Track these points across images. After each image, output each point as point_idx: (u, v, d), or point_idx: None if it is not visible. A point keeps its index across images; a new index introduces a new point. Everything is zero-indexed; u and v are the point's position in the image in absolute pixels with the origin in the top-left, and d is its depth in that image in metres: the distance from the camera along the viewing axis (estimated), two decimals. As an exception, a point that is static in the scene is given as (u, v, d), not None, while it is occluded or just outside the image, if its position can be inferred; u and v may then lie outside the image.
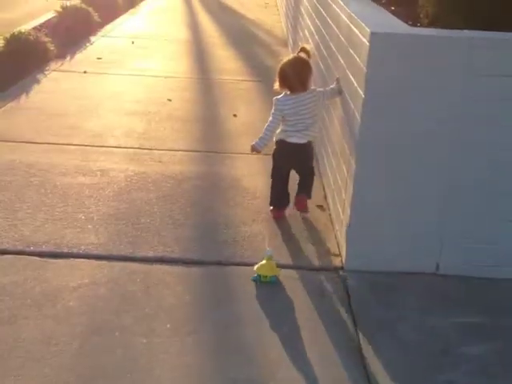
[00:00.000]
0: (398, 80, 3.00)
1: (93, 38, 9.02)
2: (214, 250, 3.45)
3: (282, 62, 3.72)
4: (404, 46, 2.96)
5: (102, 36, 9.26)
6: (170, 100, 6.17)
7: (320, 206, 4.03)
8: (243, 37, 9.77)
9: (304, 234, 3.68)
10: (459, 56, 2.93)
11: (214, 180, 4.37)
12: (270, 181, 3.91)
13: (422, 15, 3.81)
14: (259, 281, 3.16)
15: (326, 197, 4.14)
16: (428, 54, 2.95)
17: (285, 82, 3.65)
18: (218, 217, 3.83)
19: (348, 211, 3.27)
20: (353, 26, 3.44)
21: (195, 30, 10.19)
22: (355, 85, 3.25)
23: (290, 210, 3.87)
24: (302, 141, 3.66)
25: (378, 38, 2.95)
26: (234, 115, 5.80)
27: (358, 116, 3.12)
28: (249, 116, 5.79)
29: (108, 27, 9.97)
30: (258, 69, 7.68)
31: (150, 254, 3.36)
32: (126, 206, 3.89)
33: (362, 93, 3.06)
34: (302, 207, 3.81)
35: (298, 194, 3.81)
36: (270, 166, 3.89)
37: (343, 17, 3.83)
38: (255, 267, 3.20)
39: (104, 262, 3.26)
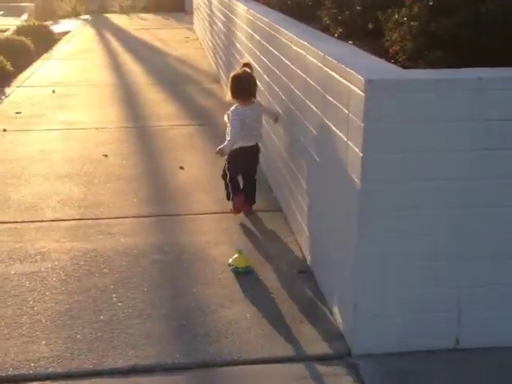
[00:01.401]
0: (401, 133, 2.56)
1: (7, 90, 8.27)
2: (195, 347, 2.87)
3: (232, 76, 4.18)
4: (407, 94, 2.53)
5: (18, 86, 8.51)
6: (106, 156, 5.55)
7: (302, 272, 3.53)
8: (171, 76, 9.24)
9: (290, 311, 3.17)
10: (470, 100, 2.53)
11: (175, 252, 3.79)
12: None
13: (397, 51, 3.41)
14: (237, 272, 3.54)
15: (306, 259, 3.65)
16: (437, 100, 2.53)
17: (239, 94, 4.11)
18: (189, 300, 3.25)
19: (351, 286, 2.79)
20: (330, 71, 2.99)
21: (119, 72, 9.58)
22: (344, 139, 2.79)
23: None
24: (254, 142, 4.24)
25: (376, 85, 2.51)
26: (181, 167, 5.25)
27: (355, 177, 2.66)
28: (197, 167, 5.25)
29: (23, 76, 9.23)
30: (194, 111, 7.17)
31: (120, 363, 2.75)
32: (79, 299, 3.25)
33: (358, 150, 2.61)
34: (248, 212, 4.31)
35: (246, 204, 4.28)
36: (232, 227, 4.01)
37: (310, 58, 3.38)
38: (231, 260, 3.60)
39: None
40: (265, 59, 4.89)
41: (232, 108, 4.14)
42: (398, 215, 2.65)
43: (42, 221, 4.22)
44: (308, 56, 3.44)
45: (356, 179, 2.65)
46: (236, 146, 4.09)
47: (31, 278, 3.46)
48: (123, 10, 19.17)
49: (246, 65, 4.32)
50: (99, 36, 13.78)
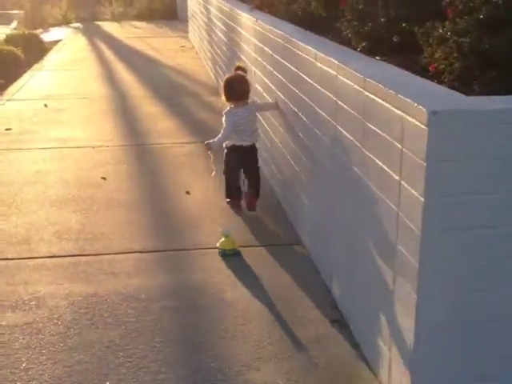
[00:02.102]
0: (471, 172, 2.15)
1: (-4, 104, 7.83)
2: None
3: (226, 79, 4.43)
4: (480, 127, 2.12)
5: (8, 100, 8.05)
6: (104, 179, 5.11)
7: (335, 322, 3.11)
8: (168, 87, 8.81)
9: (328, 370, 2.74)
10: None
11: (188, 296, 3.35)
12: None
13: (442, 70, 3.01)
14: (225, 254, 3.76)
15: (337, 306, 3.23)
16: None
17: (230, 96, 4.33)
18: (209, 359, 2.82)
19: (404, 334, 2.37)
20: (374, 96, 2.58)
21: (113, 83, 9.14)
22: (395, 177, 2.37)
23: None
24: (249, 143, 4.38)
25: (443, 118, 2.10)
26: (187, 192, 4.82)
27: (412, 224, 2.24)
28: (204, 192, 4.82)
29: (13, 88, 8.77)
30: (195, 126, 6.74)
31: None
32: (80, 358, 2.81)
33: (417, 193, 2.19)
34: (252, 208, 4.41)
35: (247, 197, 4.44)
36: (248, 264, 3.72)
37: (344, 79, 2.97)
38: (218, 244, 3.81)
39: None
40: (278, 75, 4.47)
41: (226, 109, 4.36)
42: (466, 267, 2.24)
43: (36, 257, 3.78)
44: (341, 77, 3.02)
45: (413, 226, 2.24)
46: (229, 144, 4.35)
47: (25, 331, 3.01)
48: (115, 18, 18.72)
49: (239, 68, 4.56)
50: (91, 45, 13.34)
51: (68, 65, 10.71)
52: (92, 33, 15.46)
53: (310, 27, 4.91)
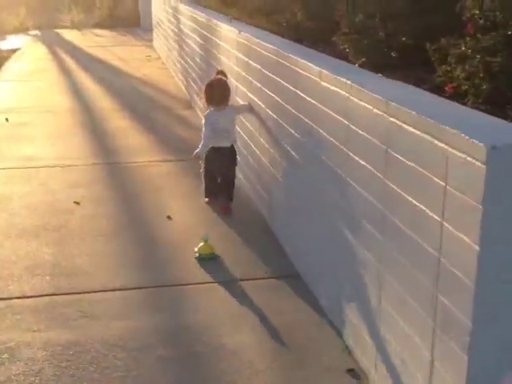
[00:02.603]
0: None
1: (-48, 118, 7.30)
2: None
3: (208, 84, 4.58)
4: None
5: (-36, 113, 7.55)
6: (77, 203, 4.70)
7: (351, 371, 2.79)
8: (137, 100, 8.40)
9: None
10: None
11: (182, 343, 2.98)
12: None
13: (465, 92, 2.74)
14: (202, 259, 3.77)
15: (356, 359, 2.91)
16: None
17: (212, 100, 4.48)
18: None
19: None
20: (402, 123, 2.28)
21: (78, 96, 8.67)
22: (437, 219, 2.07)
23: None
24: (228, 144, 4.54)
25: (504, 154, 1.81)
26: (168, 217, 4.44)
27: (462, 275, 1.94)
28: (186, 216, 4.46)
29: (-31, 101, 8.26)
30: (170, 143, 6.36)
31: None
32: (65, 425, 2.44)
33: (469, 240, 1.89)
34: (227, 212, 4.53)
35: (221, 200, 4.57)
36: (244, 301, 3.37)
37: (359, 101, 2.66)
38: (196, 248, 3.83)
39: None
40: (269, 92, 4.16)
41: (206, 112, 4.57)
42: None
43: (5, 298, 3.36)
44: (354, 98, 2.72)
45: (464, 277, 1.94)
46: (209, 146, 4.48)
47: (-2, 392, 2.61)
48: (75, 26, 18.15)
49: (220, 72, 4.76)
50: (52, 54, 12.80)
51: (28, 75, 10.18)
52: (52, 41, 14.89)
53: (296, 40, 4.62)
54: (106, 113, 7.65)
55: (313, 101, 3.27)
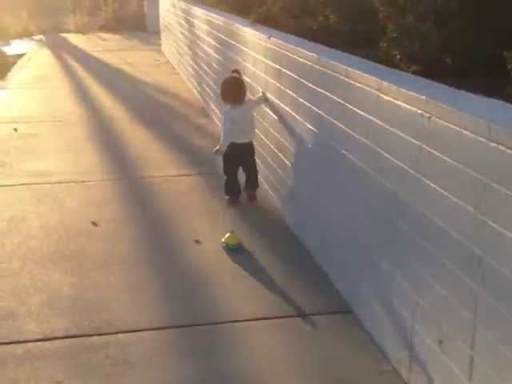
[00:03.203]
0: None
1: (-43, 128, 6.94)
2: None
3: (224, 82, 4.66)
4: None
5: (-30, 124, 7.19)
6: (95, 224, 4.33)
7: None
8: (150, 108, 8.04)
9: None
10: None
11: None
12: None
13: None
14: (229, 249, 3.87)
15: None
16: None
17: (229, 97, 4.57)
18: None
19: None
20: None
21: (89, 104, 8.29)
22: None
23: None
24: (247, 140, 4.62)
25: None
26: (197, 241, 4.07)
27: None
28: (215, 239, 4.07)
29: (-26, 110, 7.90)
30: (190, 155, 5.97)
31: None
32: None
33: None
34: (252, 199, 4.74)
35: (248, 189, 4.75)
36: (292, 341, 3.00)
37: (444, 122, 2.29)
38: (223, 239, 3.93)
39: None
40: (309, 104, 3.78)
41: (224, 109, 4.65)
42: None
43: (22, 341, 2.98)
44: (437, 119, 2.33)
45: None
46: (227, 143, 4.50)
47: None
48: (79, 29, 17.80)
49: (235, 71, 4.78)
50: (59, 59, 12.44)
51: (36, 82, 9.81)
52: (57, 46, 14.55)
53: (329, 44, 4.25)
54: (118, 122, 7.28)
55: (370, 117, 2.88)
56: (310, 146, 3.81)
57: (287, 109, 4.24)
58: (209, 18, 7.28)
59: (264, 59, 4.79)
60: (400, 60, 3.52)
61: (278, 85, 4.41)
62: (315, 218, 3.82)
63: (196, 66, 8.48)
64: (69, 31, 17.69)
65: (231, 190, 4.69)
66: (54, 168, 5.56)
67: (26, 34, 16.71)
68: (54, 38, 16.23)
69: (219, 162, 4.82)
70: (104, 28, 18.14)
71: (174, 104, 8.29)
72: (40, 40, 15.71)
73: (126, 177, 5.38)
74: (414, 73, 3.33)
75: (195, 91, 8.74)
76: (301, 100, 3.92)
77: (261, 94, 4.73)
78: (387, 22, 3.73)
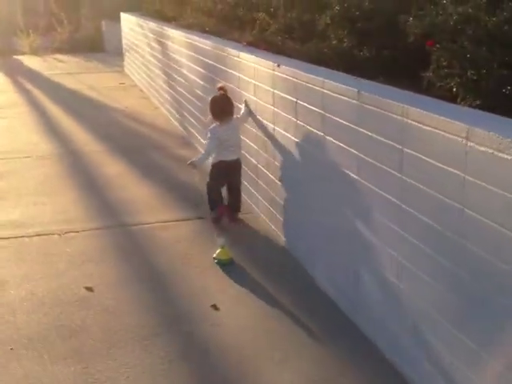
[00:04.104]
0: None
1: None
2: None
3: (214, 100, 4.60)
4: None
5: None
6: (90, 289, 3.69)
7: None
8: (126, 138, 7.41)
9: None
10: None
11: None
12: None
13: None
14: (221, 264, 3.95)
15: None
16: None
17: (217, 115, 4.54)
18: None
19: None
20: None
21: (58, 135, 7.60)
22: None
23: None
24: (235, 157, 4.61)
25: None
26: (214, 307, 3.48)
27: None
28: (235, 302, 3.51)
29: None
30: (180, 193, 5.38)
31: None
32: None
33: None
34: (235, 222, 4.67)
35: (230, 212, 4.69)
36: None
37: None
38: (214, 255, 4.02)
39: None
40: (346, 146, 3.25)
41: (211, 126, 4.58)
42: None
43: None
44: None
45: None
46: (216, 160, 4.57)
47: None
48: (33, 51, 16.98)
49: (221, 88, 4.68)
50: (16, 84, 11.67)
51: (-6, 112, 9.08)
52: (12, 69, 13.76)
53: (350, 72, 3.76)
54: (94, 156, 6.63)
55: (455, 171, 2.36)
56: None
57: (307, 145, 3.71)
58: (190, 41, 6.72)
59: (271, 89, 4.25)
60: (454, 92, 3.04)
61: (294, 119, 3.88)
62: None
63: (173, 92, 7.90)
64: (22, 53, 16.85)
65: (215, 203, 4.70)
66: (30, 217, 4.89)
67: (-24, 57, 15.83)
68: (7, 60, 15.39)
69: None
70: (59, 49, 17.34)
71: (151, 133, 7.67)
72: (-7, 63, 14.85)
73: (114, 224, 4.75)
74: (477, 107, 2.86)
75: (172, 119, 8.15)
76: (329, 138, 3.39)
77: (243, 105, 4.72)
78: (431, 47, 3.25)
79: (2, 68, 13.93)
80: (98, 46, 17.28)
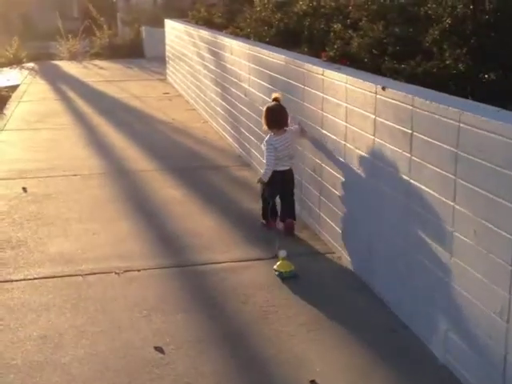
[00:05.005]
0: None
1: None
2: None
3: (268, 109, 4.61)
4: None
5: (-32, 180, 5.92)
6: (161, 351, 3.08)
7: None
8: (179, 155, 6.86)
9: None
10: None
11: None
12: None
13: None
14: (283, 277, 3.85)
15: None
16: None
17: (274, 124, 4.55)
18: None
19: None
20: None
21: (105, 150, 7.07)
22: None
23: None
24: (288, 167, 4.62)
25: None
26: (312, 383, 2.87)
27: None
28: (341, 375, 2.90)
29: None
30: (246, 223, 4.80)
31: None
32: None
33: None
34: (290, 230, 4.61)
35: (285, 219, 4.64)
36: None
37: None
38: (275, 266, 3.92)
39: None
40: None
41: (266, 138, 4.56)
42: None
43: None
44: None
45: None
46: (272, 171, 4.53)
47: None
48: (72, 57, 16.61)
49: (276, 99, 4.66)
50: (57, 92, 11.22)
51: (37, 121, 8.54)
52: (52, 75, 13.35)
53: (477, 99, 3.13)
54: (147, 177, 6.06)
55: None
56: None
57: (441, 198, 3.07)
58: (254, 53, 6.13)
59: (371, 115, 3.63)
60: None
61: (408, 155, 3.25)
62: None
63: (228, 106, 7.31)
64: (61, 58, 16.50)
65: (268, 214, 4.70)
66: (82, 249, 4.33)
67: (15, 62, 15.48)
68: (47, 66, 15.04)
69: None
70: (98, 55, 16.97)
71: (204, 150, 7.09)
72: (32, 69, 14.47)
73: (179, 263, 4.15)
74: None
75: (226, 135, 7.56)
76: (469, 185, 2.76)
77: (297, 125, 4.74)
78: None
79: (41, 74, 13.54)
80: (138, 52, 16.84)
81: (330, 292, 3.75)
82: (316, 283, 3.85)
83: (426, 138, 3.09)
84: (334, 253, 4.25)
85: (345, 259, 4.14)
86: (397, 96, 3.35)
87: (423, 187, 3.14)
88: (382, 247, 3.64)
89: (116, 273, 3.97)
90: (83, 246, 4.38)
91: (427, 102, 3.07)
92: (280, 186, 4.62)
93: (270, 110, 4.58)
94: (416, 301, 3.27)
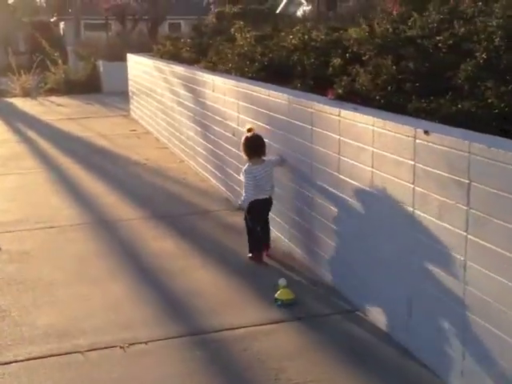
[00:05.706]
0: None
1: None
2: None
3: (247, 139, 4.75)
4: None
5: None
6: None
7: None
8: (162, 200, 6.36)
9: None
10: None
11: None
12: None
13: None
14: (283, 305, 3.87)
15: None
16: None
17: (254, 154, 4.70)
18: None
19: None
20: None
21: (81, 197, 6.49)
22: None
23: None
24: (268, 196, 4.76)
25: None
26: None
27: None
28: None
29: None
30: (250, 277, 4.37)
31: None
32: None
33: None
34: (267, 252, 4.80)
35: (265, 244, 4.83)
36: None
37: None
38: (276, 295, 3.94)
39: None
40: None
41: (245, 167, 4.71)
42: None
43: None
44: None
45: None
46: (252, 199, 4.65)
47: None
48: (26, 93, 15.91)
49: (250, 130, 4.84)
50: (16, 132, 10.57)
51: (1, 166, 7.93)
52: (8, 114, 12.68)
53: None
54: (133, 227, 5.52)
55: None
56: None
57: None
58: (244, 90, 5.73)
59: (410, 161, 3.26)
60: None
61: (464, 207, 2.88)
62: None
63: (212, 146, 6.86)
64: (14, 95, 15.79)
65: (255, 245, 4.77)
66: (76, 318, 3.78)
67: (-35, 100, 14.73)
68: (0, 104, 14.30)
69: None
70: (53, 91, 16.30)
71: (187, 194, 6.61)
72: (-16, 107, 13.76)
73: (188, 331, 3.64)
74: None
75: (207, 175, 7.10)
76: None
77: (277, 156, 4.86)
78: None
79: (-4, 113, 12.86)
80: (95, 87, 16.28)
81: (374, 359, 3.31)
82: (352, 346, 3.41)
83: (489, 188, 2.73)
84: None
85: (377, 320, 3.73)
86: (446, 142, 2.99)
87: (487, 244, 2.77)
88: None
89: (121, 347, 3.44)
90: (76, 315, 3.84)
91: (492, 148, 2.71)
92: (261, 215, 4.80)
93: (248, 140, 4.74)
94: None
